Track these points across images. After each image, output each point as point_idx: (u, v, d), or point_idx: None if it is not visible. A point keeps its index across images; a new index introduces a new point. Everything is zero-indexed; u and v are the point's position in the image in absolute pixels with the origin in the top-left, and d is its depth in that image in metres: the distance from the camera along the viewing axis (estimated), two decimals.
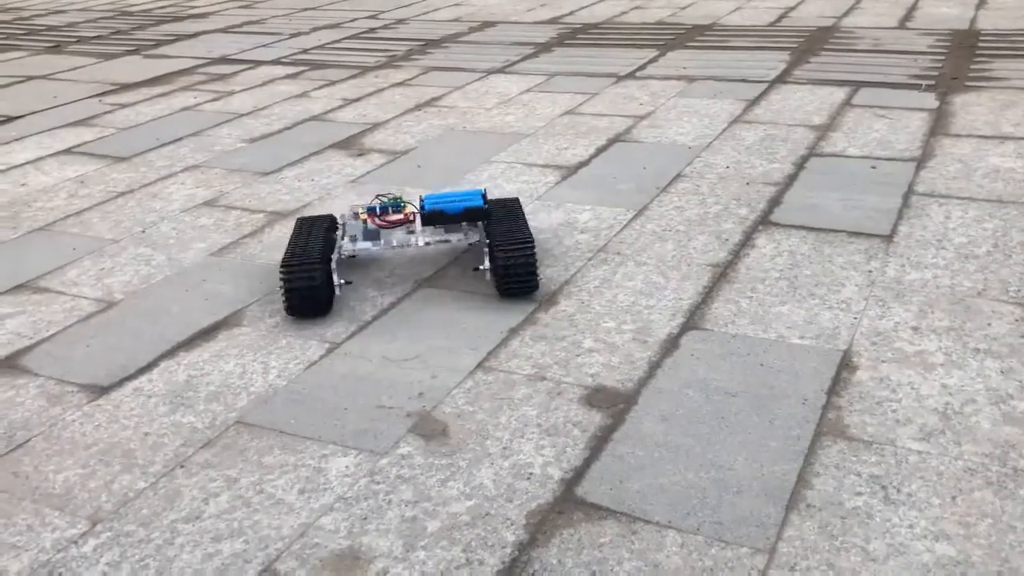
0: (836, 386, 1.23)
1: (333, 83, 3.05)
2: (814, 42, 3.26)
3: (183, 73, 3.32)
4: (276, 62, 3.42)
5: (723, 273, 1.56)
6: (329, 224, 1.65)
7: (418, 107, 2.71)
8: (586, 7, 4.21)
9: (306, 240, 1.57)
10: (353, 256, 1.66)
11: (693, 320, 1.42)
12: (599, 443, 1.14)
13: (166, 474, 1.13)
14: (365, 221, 1.62)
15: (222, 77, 3.22)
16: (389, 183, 2.08)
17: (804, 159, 2.08)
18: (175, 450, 1.18)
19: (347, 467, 1.12)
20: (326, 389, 1.29)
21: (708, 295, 1.49)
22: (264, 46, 3.71)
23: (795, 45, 3.22)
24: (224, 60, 3.50)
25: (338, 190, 2.07)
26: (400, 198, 1.65)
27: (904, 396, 1.20)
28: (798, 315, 1.41)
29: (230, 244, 1.80)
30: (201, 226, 1.91)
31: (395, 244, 1.62)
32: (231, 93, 2.99)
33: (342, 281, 1.54)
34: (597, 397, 1.24)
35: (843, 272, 1.54)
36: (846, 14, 3.72)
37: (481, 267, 1.55)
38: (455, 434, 1.17)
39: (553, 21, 3.93)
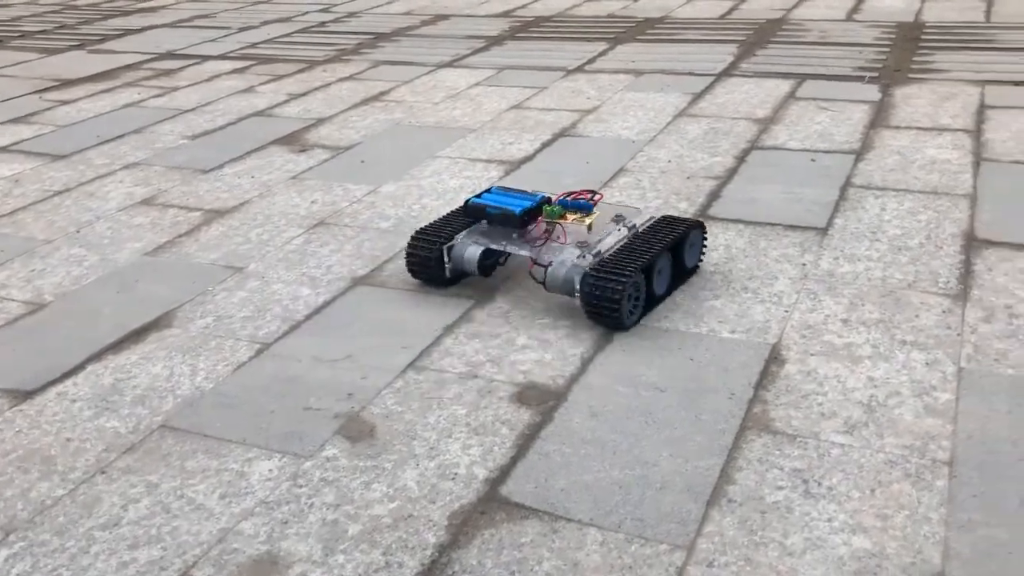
0: (764, 380, 1.23)
1: (280, 78, 3.02)
2: (763, 34, 3.27)
3: (128, 68, 3.26)
4: (224, 57, 3.37)
5: None
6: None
7: (365, 102, 2.69)
8: (539, 0, 4.20)
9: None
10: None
11: None
12: (527, 441, 1.14)
13: (86, 480, 1.11)
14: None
15: (168, 72, 3.17)
16: (331, 179, 2.06)
17: (745, 152, 2.09)
18: (97, 455, 1.16)
19: (270, 471, 1.11)
20: (254, 391, 1.27)
21: None
22: (212, 41, 3.66)
23: (744, 38, 3.24)
24: (171, 55, 3.44)
25: (279, 187, 2.04)
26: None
27: (830, 389, 1.21)
28: (730, 309, 1.42)
29: (165, 243, 1.78)
30: (137, 225, 1.87)
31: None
32: (176, 89, 2.95)
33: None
34: (528, 395, 1.23)
35: (777, 265, 1.55)
36: (795, 6, 3.74)
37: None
38: (382, 435, 1.16)
39: (506, 14, 3.91)
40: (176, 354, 1.38)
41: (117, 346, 1.42)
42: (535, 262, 1.45)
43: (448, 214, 1.60)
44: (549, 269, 1.42)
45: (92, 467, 1.14)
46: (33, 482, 1.11)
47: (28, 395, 1.30)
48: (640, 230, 1.48)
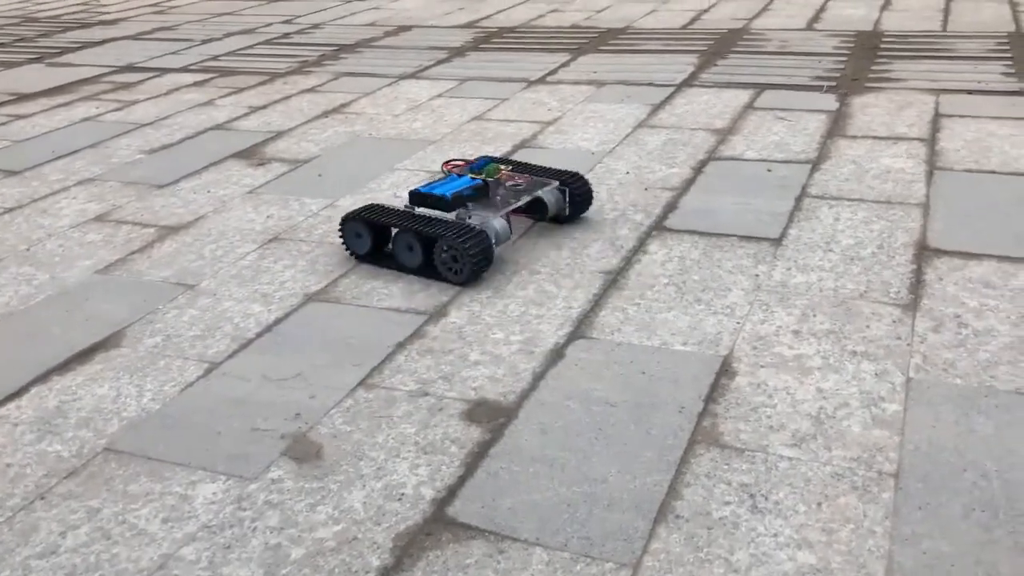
0: (714, 393, 1.23)
1: (240, 90, 2.99)
2: (724, 44, 3.29)
3: (87, 82, 3.23)
4: (184, 69, 3.34)
5: (614, 280, 1.56)
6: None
7: (325, 114, 2.67)
8: (504, 11, 4.21)
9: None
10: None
11: (580, 329, 1.42)
12: (475, 460, 1.13)
13: (24, 507, 1.09)
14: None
15: (127, 86, 3.14)
16: (288, 193, 2.05)
17: (703, 163, 2.10)
18: (36, 481, 1.14)
19: (214, 494, 1.09)
20: (200, 412, 1.25)
21: (597, 303, 1.49)
22: (173, 53, 3.63)
23: (705, 48, 3.25)
24: (131, 68, 3.41)
25: (235, 201, 2.02)
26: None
27: (779, 401, 1.21)
28: (683, 321, 1.42)
29: (117, 261, 1.75)
30: (89, 242, 1.85)
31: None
32: (134, 102, 2.92)
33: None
34: (478, 412, 1.23)
35: (731, 277, 1.55)
36: (757, 16, 3.77)
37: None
38: (329, 456, 1.15)
39: (470, 25, 3.91)
40: (123, 375, 1.36)
41: (64, 367, 1.39)
42: (515, 210, 1.73)
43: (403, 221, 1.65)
44: (547, 200, 1.75)
45: (31, 493, 1.11)
46: None
47: None
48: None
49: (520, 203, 1.71)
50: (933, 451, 1.10)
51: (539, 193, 1.74)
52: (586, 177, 1.80)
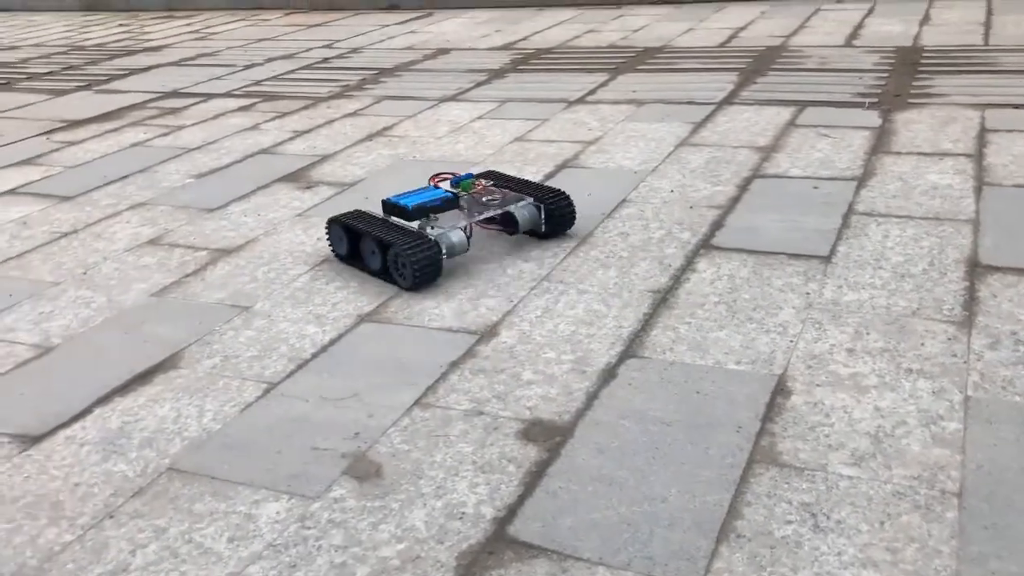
0: (770, 412, 1.23)
1: (284, 115, 3.05)
2: (762, 62, 3.30)
3: (134, 108, 3.30)
4: (228, 95, 3.41)
5: (663, 299, 1.57)
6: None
7: (369, 137, 2.71)
8: (540, 32, 4.24)
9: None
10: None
11: (632, 348, 1.42)
12: (533, 479, 1.14)
13: (94, 526, 1.11)
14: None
15: (173, 111, 3.21)
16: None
17: (748, 181, 2.10)
18: (105, 500, 1.16)
19: (278, 512, 1.11)
20: (261, 432, 1.28)
21: (648, 322, 1.50)
22: (217, 78, 3.70)
23: (743, 65, 3.26)
24: (176, 94, 3.48)
25: (284, 224, 2.06)
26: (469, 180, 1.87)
27: (837, 420, 1.21)
28: (735, 340, 1.42)
29: (171, 284, 1.79)
30: (144, 266, 1.89)
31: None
32: (181, 127, 2.98)
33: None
34: (534, 431, 1.23)
35: (781, 295, 1.55)
36: (794, 33, 3.77)
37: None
38: (389, 474, 1.16)
39: (507, 47, 3.95)
40: (183, 395, 1.39)
41: (124, 388, 1.42)
42: (483, 223, 1.83)
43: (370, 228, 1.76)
44: (518, 215, 1.80)
45: (100, 512, 1.14)
46: (41, 528, 1.12)
47: (36, 440, 1.30)
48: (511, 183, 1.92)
49: (481, 217, 1.79)
50: (996, 470, 1.09)
51: (511, 208, 1.81)
52: (569, 197, 1.85)
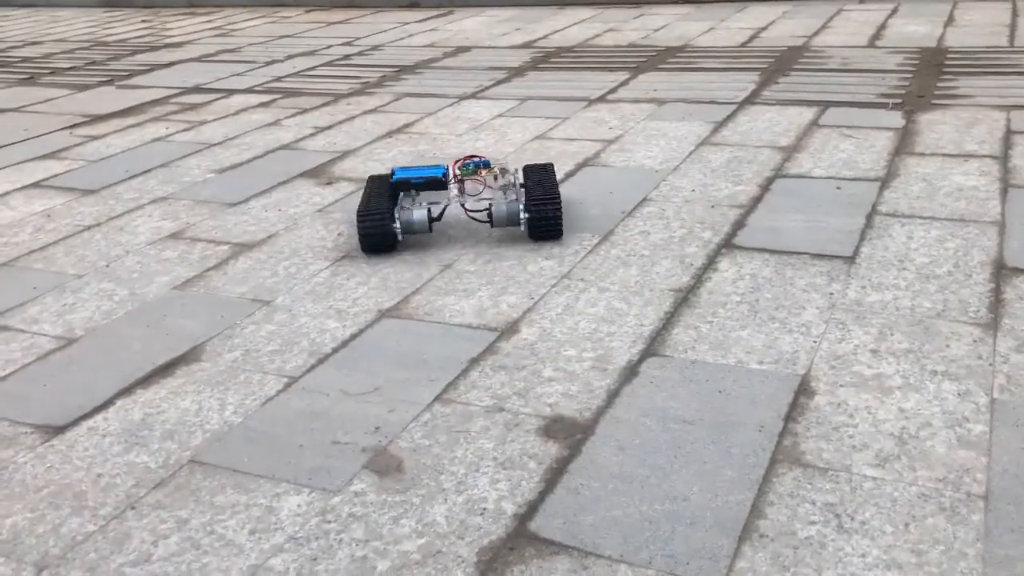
0: (793, 412, 1.22)
1: (305, 111, 3.05)
2: (784, 62, 3.28)
3: (156, 103, 3.32)
4: (250, 91, 3.42)
5: (685, 298, 1.56)
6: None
7: (389, 134, 2.71)
8: (560, 31, 4.24)
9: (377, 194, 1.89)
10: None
11: (653, 347, 1.42)
12: (555, 475, 1.13)
13: (116, 516, 1.12)
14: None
15: (194, 107, 3.22)
16: (356, 212, 2.08)
17: (770, 181, 2.09)
18: (127, 491, 1.17)
19: (299, 506, 1.11)
20: (282, 425, 1.28)
21: (669, 321, 1.49)
22: (238, 75, 3.72)
23: (765, 65, 3.24)
24: (198, 89, 3.50)
25: (305, 219, 2.06)
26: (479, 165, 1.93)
27: (861, 421, 1.20)
28: (758, 340, 1.41)
29: (194, 277, 1.79)
30: (166, 259, 1.90)
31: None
32: (203, 123, 2.99)
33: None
34: (555, 428, 1.23)
35: (804, 295, 1.54)
36: (816, 33, 3.75)
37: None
38: (410, 469, 1.16)
39: (527, 45, 3.95)
40: (205, 388, 1.39)
41: (146, 380, 1.43)
42: (467, 210, 1.88)
43: (368, 193, 1.90)
44: (493, 209, 1.84)
45: (122, 503, 1.14)
46: (64, 518, 1.12)
47: (59, 430, 1.31)
48: (523, 175, 1.95)
49: (460, 203, 1.88)
50: (1023, 473, 1.08)
51: (492, 202, 1.85)
52: (557, 210, 1.81)
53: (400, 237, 1.82)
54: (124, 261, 1.90)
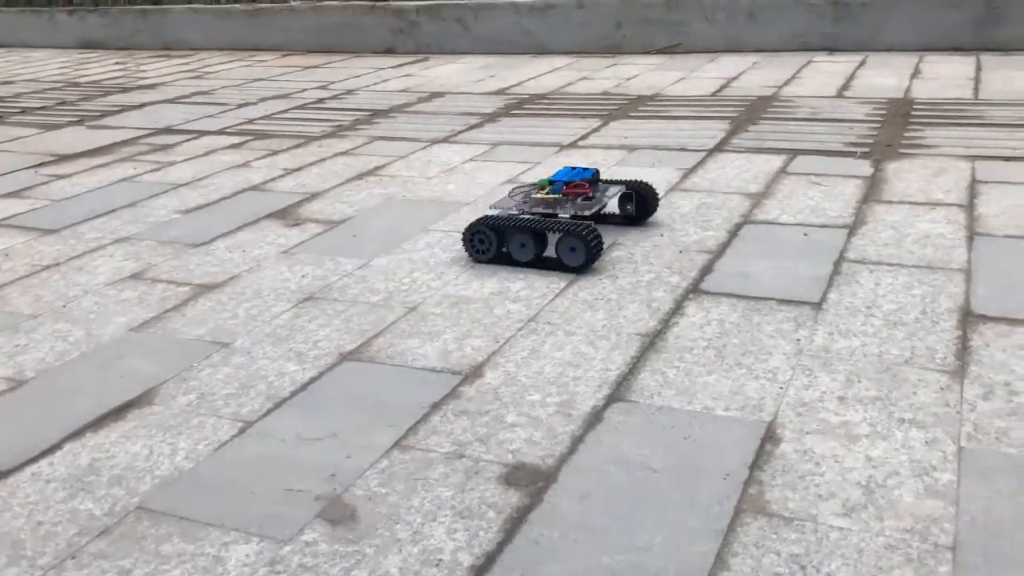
0: (759, 460, 1.20)
1: (276, 153, 3.04)
2: (754, 111, 3.31)
3: (125, 143, 3.29)
4: (221, 132, 3.40)
5: (652, 343, 1.54)
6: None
7: (359, 176, 2.70)
8: (534, 78, 4.27)
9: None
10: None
11: (619, 392, 1.39)
12: (514, 525, 1.10)
13: (55, 566, 1.07)
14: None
15: (164, 147, 3.20)
16: (322, 253, 2.05)
17: (738, 227, 2.09)
18: (68, 540, 1.12)
19: (247, 555, 1.07)
20: (234, 471, 1.24)
21: (636, 365, 1.47)
22: (210, 116, 3.70)
23: (735, 114, 3.27)
24: (168, 130, 3.48)
25: (269, 261, 2.03)
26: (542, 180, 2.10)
27: (827, 469, 1.17)
28: (724, 385, 1.39)
29: (152, 319, 1.75)
30: (124, 300, 1.85)
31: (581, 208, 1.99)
32: (171, 163, 2.96)
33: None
34: (516, 475, 1.20)
35: (771, 341, 1.52)
36: (786, 84, 3.80)
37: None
38: (364, 518, 1.12)
39: (501, 92, 3.97)
40: (157, 432, 1.35)
41: (97, 424, 1.38)
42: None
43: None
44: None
45: (63, 552, 1.09)
46: (1, 568, 1.07)
47: (2, 475, 1.26)
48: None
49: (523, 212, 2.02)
50: (990, 523, 1.06)
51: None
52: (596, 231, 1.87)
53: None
54: (81, 302, 1.86)
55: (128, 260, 2.09)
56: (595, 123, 3.24)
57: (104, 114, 3.86)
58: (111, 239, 2.24)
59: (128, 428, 1.37)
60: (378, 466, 1.23)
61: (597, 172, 2.13)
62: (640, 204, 2.12)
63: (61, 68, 5.38)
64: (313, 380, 1.48)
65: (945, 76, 3.79)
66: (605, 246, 1.98)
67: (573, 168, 2.15)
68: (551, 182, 2.08)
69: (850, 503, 1.10)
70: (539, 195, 2.05)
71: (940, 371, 1.40)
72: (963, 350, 1.46)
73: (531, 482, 1.18)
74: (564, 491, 1.16)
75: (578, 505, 1.13)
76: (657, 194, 2.13)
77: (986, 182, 2.33)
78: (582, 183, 2.05)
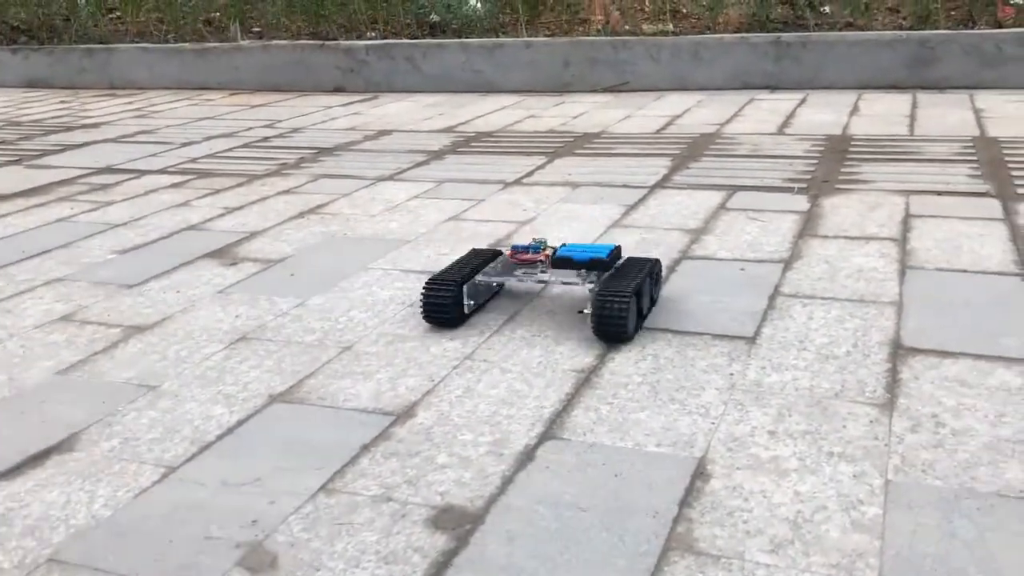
0: (689, 496, 1.19)
1: (218, 191, 3.00)
2: (696, 148, 3.36)
3: (64, 183, 3.23)
4: (162, 171, 3.36)
5: (587, 379, 1.53)
6: (489, 256, 1.92)
7: (301, 214, 2.68)
8: (482, 116, 4.29)
9: (459, 266, 1.85)
10: (497, 286, 1.93)
11: (552, 429, 1.38)
12: (439, 570, 1.07)
13: None
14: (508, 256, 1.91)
15: (104, 187, 3.15)
16: (258, 292, 2.02)
17: (676, 262, 2.10)
18: None
19: None
20: (153, 519, 1.20)
21: (570, 403, 1.46)
22: (153, 155, 3.66)
23: (678, 151, 3.31)
24: (109, 170, 3.43)
25: (203, 301, 1.99)
26: (544, 242, 1.90)
27: (756, 505, 1.17)
28: (657, 421, 1.38)
29: (79, 362, 1.71)
30: (52, 343, 1.80)
31: (521, 279, 1.85)
32: (110, 203, 2.92)
33: (470, 303, 1.81)
34: (444, 518, 1.17)
35: (704, 376, 1.52)
36: (728, 121, 3.86)
37: (584, 311, 1.75)
38: (285, 565, 1.09)
39: (448, 130, 3.98)
40: (76, 480, 1.31)
41: (13, 472, 1.34)
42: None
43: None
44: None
45: None
46: None
47: None
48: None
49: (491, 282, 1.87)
50: (915, 557, 1.06)
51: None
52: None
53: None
54: (6, 345, 1.81)
55: (59, 302, 2.04)
56: (540, 160, 3.26)
57: (44, 153, 3.80)
58: (42, 280, 2.19)
59: (46, 475, 1.32)
60: (302, 511, 1.20)
61: (616, 249, 1.85)
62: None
63: (3, 107, 5.30)
64: (240, 423, 1.44)
65: (882, 113, 3.89)
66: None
67: (593, 243, 1.98)
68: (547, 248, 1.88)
69: (777, 539, 1.10)
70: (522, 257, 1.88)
71: (870, 404, 1.41)
72: (893, 383, 1.48)
73: (458, 524, 1.16)
74: (492, 533, 1.14)
75: (505, 548, 1.11)
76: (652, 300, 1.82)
77: (919, 216, 2.38)
78: (532, 255, 1.86)
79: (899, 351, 1.59)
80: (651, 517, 1.15)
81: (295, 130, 4.11)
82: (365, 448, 1.35)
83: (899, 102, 4.14)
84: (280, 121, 4.38)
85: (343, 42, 5.43)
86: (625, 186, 2.82)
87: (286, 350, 1.71)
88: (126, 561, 1.11)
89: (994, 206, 2.45)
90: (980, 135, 3.37)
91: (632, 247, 2.22)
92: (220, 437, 1.40)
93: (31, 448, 1.40)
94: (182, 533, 1.16)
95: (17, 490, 1.29)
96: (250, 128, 4.21)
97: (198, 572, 1.09)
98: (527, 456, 1.31)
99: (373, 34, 5.72)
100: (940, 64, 4.48)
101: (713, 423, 1.37)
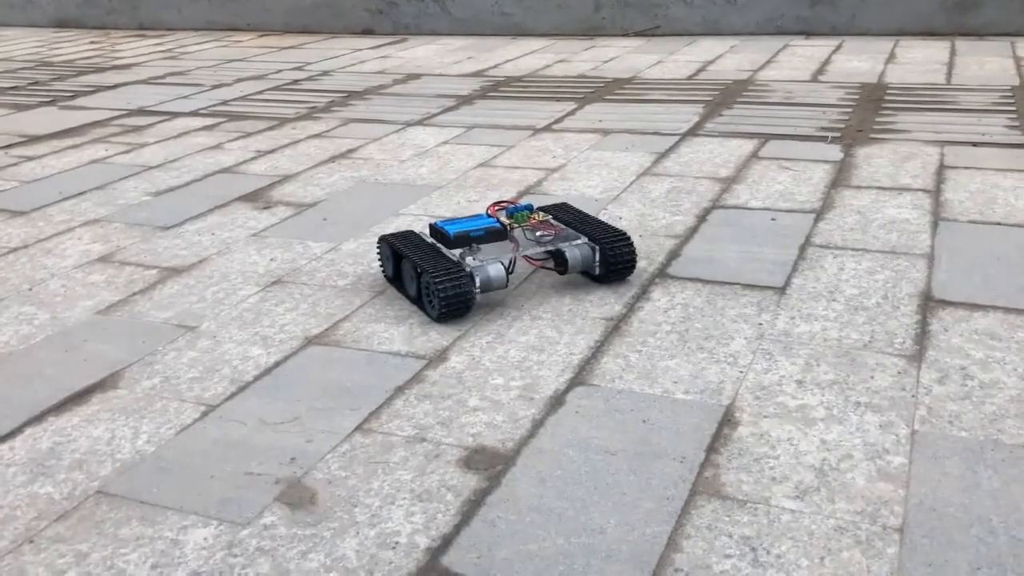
0: (716, 443, 1.21)
1: (249, 135, 3.02)
2: (728, 95, 3.32)
3: (97, 125, 3.26)
4: (194, 114, 3.38)
5: (616, 327, 1.55)
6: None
7: (332, 159, 2.69)
8: (511, 60, 4.26)
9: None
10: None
11: (581, 376, 1.40)
12: (472, 508, 1.11)
13: (12, 551, 1.07)
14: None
15: (137, 129, 3.17)
16: (292, 236, 2.05)
17: (707, 211, 2.10)
18: (27, 524, 1.12)
19: (205, 539, 1.07)
20: (195, 455, 1.24)
21: (599, 350, 1.48)
22: (184, 98, 3.67)
23: (710, 98, 3.28)
24: (141, 112, 3.45)
25: (238, 244, 2.03)
26: (531, 206, 1.78)
27: (782, 452, 1.19)
28: (685, 369, 1.40)
29: (118, 302, 1.75)
30: (92, 283, 1.85)
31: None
32: (144, 145, 2.94)
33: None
34: (476, 459, 1.21)
35: (734, 325, 1.54)
36: (762, 68, 3.81)
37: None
38: (323, 502, 1.13)
39: (477, 74, 3.95)
40: (119, 416, 1.35)
41: (59, 408, 1.38)
42: (531, 259, 1.72)
43: (421, 253, 1.67)
44: (568, 254, 1.68)
45: (20, 536, 1.10)
46: None
47: None
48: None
49: (527, 252, 1.69)
50: (939, 506, 1.08)
51: (563, 247, 1.68)
52: (632, 241, 1.69)
53: (477, 299, 1.62)
54: (48, 284, 1.85)
55: (97, 243, 2.08)
56: (571, 106, 3.24)
57: (77, 94, 3.82)
58: (80, 221, 2.23)
59: (91, 412, 1.37)
60: (339, 450, 1.23)
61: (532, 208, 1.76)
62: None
63: (35, 47, 5.32)
64: (278, 364, 1.48)
65: (919, 61, 3.81)
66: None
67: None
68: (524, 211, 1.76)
69: (803, 485, 1.12)
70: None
71: (898, 355, 1.42)
72: (922, 335, 1.48)
73: (490, 465, 1.19)
74: (523, 474, 1.17)
75: (536, 488, 1.14)
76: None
77: (954, 167, 2.35)
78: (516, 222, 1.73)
79: (929, 303, 1.59)
80: (678, 462, 1.18)
81: (324, 73, 4.11)
82: (399, 390, 1.38)
83: (937, 49, 4.06)
84: (309, 63, 4.37)
85: None
86: (656, 133, 2.80)
87: (320, 294, 1.74)
88: (170, 495, 1.16)
89: None
90: (1020, 84, 3.30)
91: (662, 196, 2.22)
92: (258, 377, 1.44)
93: (76, 385, 1.45)
94: (223, 469, 1.20)
95: (64, 425, 1.33)
96: (280, 71, 4.21)
97: (239, 506, 1.13)
98: (557, 401, 1.33)
99: None
100: (981, 9, 4.37)
101: (741, 372, 1.39)
